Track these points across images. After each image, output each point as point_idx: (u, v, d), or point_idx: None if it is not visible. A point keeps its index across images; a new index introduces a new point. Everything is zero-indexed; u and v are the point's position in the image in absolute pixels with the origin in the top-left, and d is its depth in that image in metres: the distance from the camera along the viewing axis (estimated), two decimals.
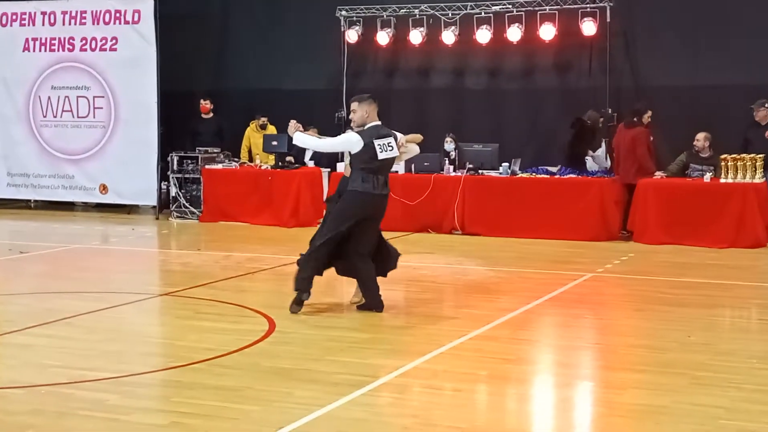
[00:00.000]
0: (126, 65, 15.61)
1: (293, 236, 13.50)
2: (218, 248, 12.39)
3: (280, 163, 14.71)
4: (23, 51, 16.26)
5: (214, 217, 14.77)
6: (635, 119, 13.16)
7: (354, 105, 8.44)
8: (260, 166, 14.92)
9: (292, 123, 8.72)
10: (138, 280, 10.69)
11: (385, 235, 13.06)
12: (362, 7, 15.24)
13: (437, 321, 8.30)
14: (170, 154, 15.23)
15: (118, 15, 15.65)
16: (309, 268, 8.38)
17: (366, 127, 8.34)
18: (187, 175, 15.17)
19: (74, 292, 9.57)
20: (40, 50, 16.18)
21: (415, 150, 9.06)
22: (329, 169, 14.65)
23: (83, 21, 15.88)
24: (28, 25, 16.24)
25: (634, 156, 13.04)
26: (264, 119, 15.60)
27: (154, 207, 15.81)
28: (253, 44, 16.27)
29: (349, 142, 8.35)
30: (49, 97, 16.21)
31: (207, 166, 15.00)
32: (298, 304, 8.36)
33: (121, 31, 15.65)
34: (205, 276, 10.30)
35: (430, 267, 11.02)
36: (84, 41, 15.89)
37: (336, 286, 10.36)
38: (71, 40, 15.98)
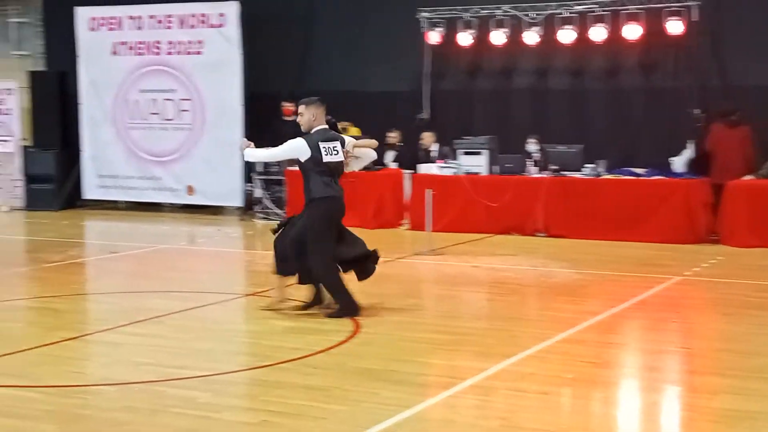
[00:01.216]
0: (211, 68, 15.85)
1: (376, 237, 13.51)
2: None
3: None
4: (112, 55, 16.62)
5: None
6: (733, 118, 13.02)
7: (301, 108, 8.33)
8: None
9: (243, 140, 8.72)
10: (225, 280, 10.86)
11: (468, 237, 13.18)
12: (444, 8, 15.22)
13: (522, 323, 8.26)
14: None
15: (203, 18, 15.90)
16: (335, 291, 8.31)
17: (313, 131, 8.25)
18: (271, 177, 15.33)
19: (163, 291, 9.76)
20: (127, 54, 16.52)
21: (369, 155, 8.97)
22: (411, 171, 14.67)
23: (170, 25, 16.18)
24: (117, 29, 16.59)
25: (740, 155, 12.87)
26: (347, 122, 15.67)
27: (239, 208, 16.03)
28: (335, 46, 16.37)
29: (297, 148, 8.20)
30: (137, 100, 16.54)
31: (290, 168, 15.12)
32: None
33: (206, 34, 15.90)
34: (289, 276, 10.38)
35: (513, 269, 10.97)
36: (170, 45, 16.19)
37: (421, 288, 10.40)
38: (158, 44, 16.29)
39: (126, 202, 17.14)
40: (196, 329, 8.01)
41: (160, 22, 16.24)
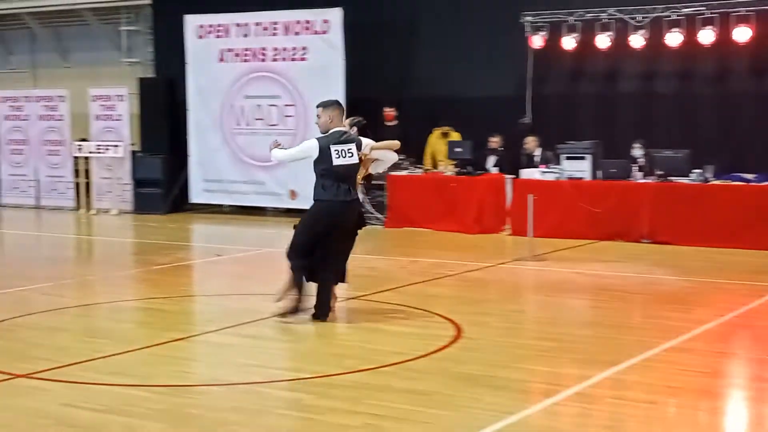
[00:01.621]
0: (315, 74, 16.03)
1: (477, 243, 13.53)
2: (403, 254, 12.55)
3: (463, 170, 14.76)
4: (219, 62, 16.95)
5: (399, 223, 14.97)
6: None
7: (319, 110, 8.41)
8: (444, 173, 15.02)
9: (273, 141, 8.79)
10: None
11: (570, 243, 13.04)
12: (548, 12, 15.10)
13: (627, 331, 8.13)
14: None
15: (308, 25, 16.11)
16: (296, 285, 8.40)
17: (329, 132, 8.28)
18: (372, 182, 15.42)
19: (268, 294, 9.88)
20: (234, 61, 16.83)
21: (390, 157, 8.87)
22: (513, 176, 14.59)
23: (275, 32, 16.42)
24: (223, 36, 16.92)
25: None
26: (447, 127, 15.69)
27: None
28: (437, 51, 16.38)
29: (308, 148, 8.30)
30: (242, 106, 16.83)
31: (392, 173, 15.21)
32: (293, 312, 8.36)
33: (310, 40, 16.09)
34: (391, 281, 10.46)
35: (618, 276, 10.80)
36: (276, 51, 16.43)
37: (522, 294, 10.33)
38: (263, 51, 16.55)
39: (230, 206, 17.45)
40: (299, 332, 8.11)
41: (265, 29, 16.50)
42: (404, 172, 15.22)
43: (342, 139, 8.25)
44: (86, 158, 17.91)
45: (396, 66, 16.68)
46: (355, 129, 8.81)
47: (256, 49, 16.59)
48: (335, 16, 15.80)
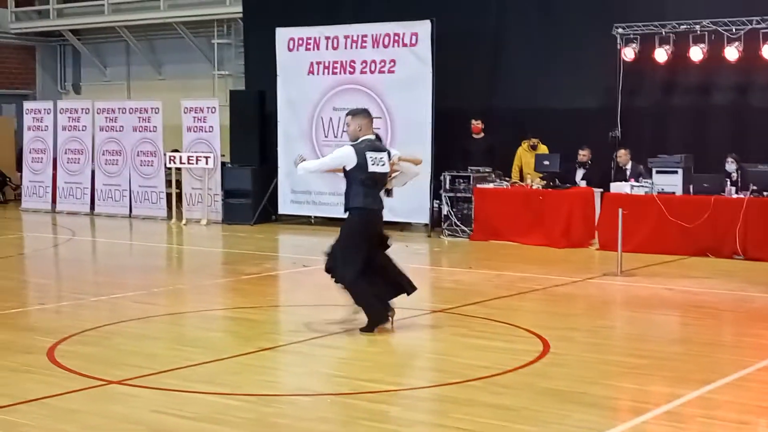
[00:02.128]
0: (403, 86, 16.08)
1: (564, 257, 13.39)
2: (489, 267, 12.48)
3: (551, 183, 14.64)
4: (308, 74, 17.12)
5: (485, 236, 14.90)
6: None
7: (348, 119, 8.45)
8: (531, 186, 14.92)
9: (298, 156, 8.75)
10: (412, 296, 10.89)
11: (660, 258, 12.82)
12: (640, 24, 14.90)
13: (719, 349, 7.96)
14: (443, 173, 15.53)
15: (396, 38, 16.17)
16: (363, 302, 8.36)
17: (359, 140, 8.30)
18: (458, 194, 15.40)
19: (353, 305, 9.93)
20: (323, 73, 16.99)
21: (413, 171, 8.90)
22: (601, 190, 14.41)
23: (364, 44, 16.53)
24: (313, 49, 17.09)
25: None
26: (535, 139, 15.60)
27: (426, 225, 16.16)
28: (525, 63, 16.29)
29: (345, 156, 8.26)
30: (330, 118, 16.97)
31: (478, 186, 15.17)
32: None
33: (399, 53, 16.15)
34: (477, 294, 10.42)
35: (710, 292, 10.58)
36: (364, 64, 16.53)
37: (611, 310, 10.19)
38: (352, 63, 16.67)
39: (317, 217, 17.59)
40: (385, 343, 8.13)
41: (354, 42, 16.62)
42: (491, 185, 15.17)
43: (376, 147, 8.34)
44: (178, 169, 18.26)
45: (484, 78, 16.63)
46: None
47: (345, 62, 16.72)
48: (424, 28, 15.83)
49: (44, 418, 5.97)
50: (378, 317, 8.35)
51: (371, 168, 8.20)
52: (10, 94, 24.06)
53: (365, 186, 8.24)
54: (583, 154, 14.94)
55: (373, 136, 8.42)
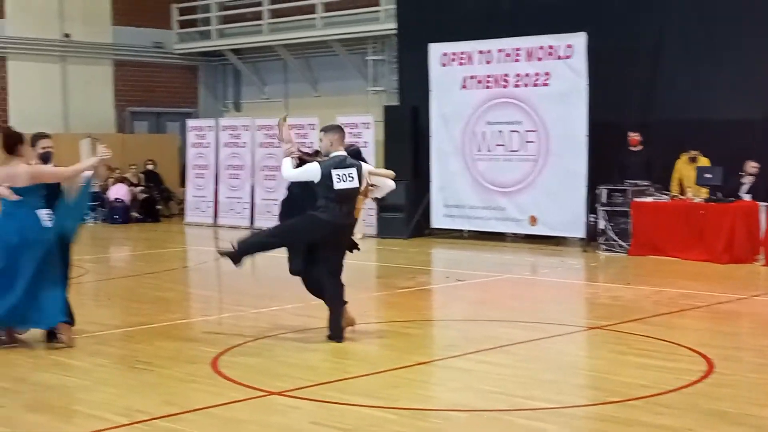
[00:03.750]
0: (557, 99, 15.91)
1: (727, 273, 12.94)
2: (648, 283, 12.18)
3: (713, 197, 14.18)
4: (461, 89, 17.15)
5: (643, 251, 14.55)
6: None
7: (321, 135, 8.80)
8: (692, 200, 14.49)
9: (286, 149, 8.78)
10: (568, 311, 10.81)
11: None
12: None
13: None
14: (599, 187, 15.26)
15: (551, 51, 16.01)
16: (250, 244, 8.82)
17: (330, 156, 8.56)
18: (615, 208, 15.10)
19: (508, 320, 9.88)
20: (476, 87, 16.97)
21: (386, 185, 8.94)
22: (767, 204, 13.86)
23: (517, 58, 16.43)
24: (466, 63, 17.10)
25: None
26: (695, 152, 15.14)
27: (581, 239, 15.91)
28: (684, 75, 15.83)
29: (310, 171, 8.54)
30: (483, 132, 16.93)
31: (636, 199, 14.84)
32: (230, 257, 8.72)
33: (553, 66, 15.99)
34: (636, 311, 10.17)
35: None
36: (518, 77, 16.43)
37: None
38: (506, 77, 16.59)
39: (470, 231, 17.56)
40: (542, 360, 8.04)
41: (508, 55, 16.54)
42: (650, 199, 14.81)
43: (344, 164, 8.56)
44: None
45: (641, 90, 16.25)
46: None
47: (499, 76, 16.65)
48: (579, 40, 15.62)
49: (208, 427, 6.16)
50: (233, 258, 8.73)
51: (336, 185, 8.49)
52: (174, 112, 25.06)
53: (330, 201, 8.53)
54: (752, 167, 14.39)
55: (343, 152, 8.67)
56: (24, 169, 8.21)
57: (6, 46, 22.01)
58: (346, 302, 8.88)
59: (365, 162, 8.97)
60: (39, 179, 8.31)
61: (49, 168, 8.47)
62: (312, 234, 8.65)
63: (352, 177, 8.58)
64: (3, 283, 8.22)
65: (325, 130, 8.88)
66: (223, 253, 8.86)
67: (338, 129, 8.85)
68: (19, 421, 6.35)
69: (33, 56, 22.37)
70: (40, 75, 22.43)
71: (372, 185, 8.94)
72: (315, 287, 8.96)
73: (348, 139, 18.52)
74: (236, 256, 8.78)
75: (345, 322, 8.86)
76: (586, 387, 7.39)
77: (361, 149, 18.18)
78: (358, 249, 9.13)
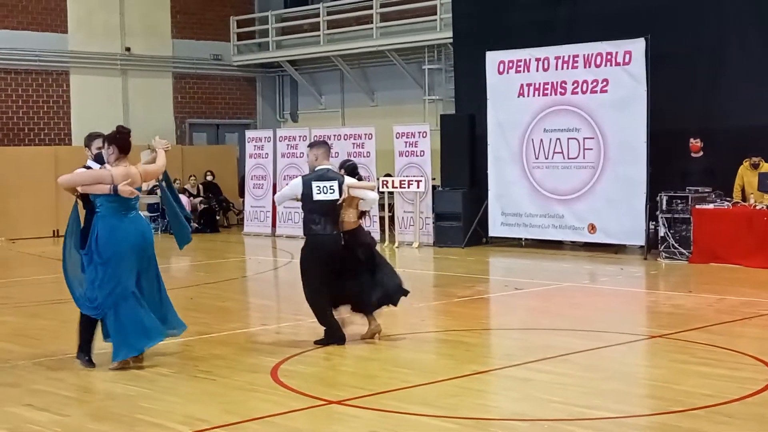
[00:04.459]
0: (616, 106, 15.77)
1: None
2: (710, 291, 12.00)
3: None
4: (518, 96, 17.08)
5: (705, 259, 14.35)
6: None
7: (307, 150, 9.27)
8: (754, 206, 14.26)
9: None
10: (628, 320, 10.70)
11: None
12: None
13: None
14: (659, 194, 15.09)
15: (609, 57, 15.87)
16: (322, 321, 8.96)
17: (314, 169, 8.94)
18: (676, 215, 14.91)
19: (567, 329, 9.81)
20: (533, 95, 16.90)
21: (370, 197, 9.21)
22: None
23: (575, 65, 16.33)
24: (524, 71, 17.03)
25: None
26: (758, 158, 14.90)
27: (641, 247, 15.74)
28: (746, 80, 15.59)
29: (294, 186, 9.00)
30: (541, 140, 16.84)
31: (697, 206, 14.64)
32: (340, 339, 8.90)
33: (612, 72, 15.85)
34: (698, 319, 10.04)
35: None
36: (575, 84, 16.32)
37: None
38: (563, 84, 16.49)
39: (527, 239, 17.47)
40: (603, 369, 7.96)
41: (566, 62, 16.44)
42: (711, 206, 14.60)
43: (325, 176, 8.87)
44: (390, 193, 18.60)
45: (701, 96, 16.03)
46: (343, 171, 9.23)
47: (556, 83, 16.56)
48: (638, 47, 15.47)
49: None
50: (331, 336, 8.90)
51: (316, 197, 8.80)
52: (233, 123, 25.32)
53: (312, 213, 8.85)
54: None
55: (329, 166, 8.98)
56: (137, 170, 8.10)
57: (69, 60, 22.43)
58: (378, 305, 9.13)
59: (360, 179, 9.37)
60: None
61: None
62: (314, 252, 8.91)
63: (333, 189, 8.86)
64: (148, 291, 8.13)
65: (311, 145, 9.30)
66: (321, 342, 9.00)
67: (323, 144, 9.25)
68: (85, 430, 6.46)
69: (95, 70, 22.78)
70: (102, 88, 22.83)
71: (358, 198, 9.22)
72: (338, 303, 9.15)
73: (404, 148, 18.70)
74: (327, 333, 8.99)
75: (371, 330, 9.09)
76: (648, 396, 7.30)
77: (419, 158, 18.37)
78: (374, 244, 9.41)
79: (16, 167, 20.53)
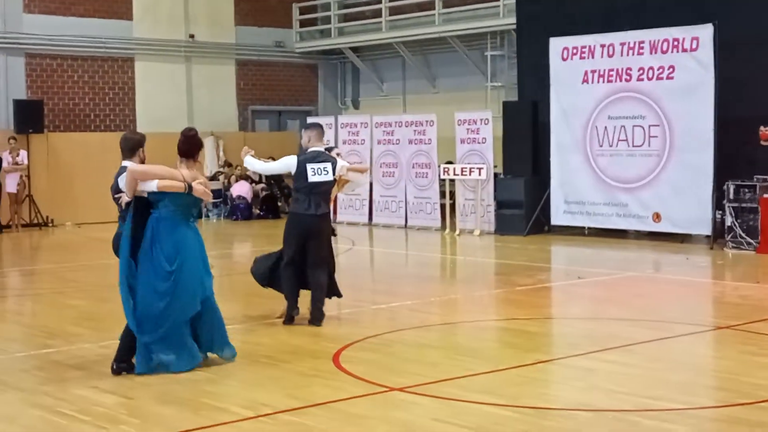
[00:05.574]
0: (682, 93, 15.50)
1: None
2: None
3: None
4: (582, 83, 16.88)
5: None
6: None
7: (303, 132, 9.51)
8: None
9: (244, 148, 9.25)
10: (694, 310, 10.52)
11: None
12: None
13: None
14: (726, 183, 14.81)
15: (675, 43, 15.61)
16: (283, 287, 9.34)
17: (307, 151, 9.23)
18: (744, 204, 14.63)
19: (631, 319, 9.68)
20: (598, 81, 16.68)
21: (359, 180, 9.84)
22: None
23: (641, 51, 16.07)
24: (588, 58, 16.82)
25: None
26: None
27: (707, 236, 15.48)
28: None
29: (288, 163, 9.26)
30: (605, 127, 16.62)
31: (765, 195, 14.35)
32: (288, 320, 9.30)
33: (678, 59, 15.58)
34: (766, 310, 9.83)
35: None
36: (641, 71, 16.07)
37: None
38: (629, 71, 16.25)
39: (591, 228, 17.28)
40: (668, 360, 7.85)
41: (631, 48, 16.20)
42: None
43: (319, 158, 9.18)
44: (451, 180, 18.53)
45: None
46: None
47: (621, 69, 16.31)
48: (706, 32, 15.18)
49: (331, 421, 6.21)
50: (289, 309, 9.31)
51: (311, 178, 9.10)
52: (294, 110, 25.42)
53: (300, 193, 9.17)
54: None
55: (321, 148, 9.31)
56: (196, 173, 7.67)
57: (134, 47, 22.68)
58: (338, 294, 9.59)
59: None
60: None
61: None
62: (293, 229, 9.23)
63: (327, 171, 9.20)
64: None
65: (306, 127, 9.63)
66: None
67: (317, 126, 9.51)
68: (150, 412, 6.54)
69: (159, 57, 23.01)
70: (166, 75, 23.05)
71: (347, 180, 9.65)
72: (267, 281, 9.61)
73: (465, 135, 18.58)
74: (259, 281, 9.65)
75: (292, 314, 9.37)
76: (715, 388, 7.18)
77: (480, 145, 18.28)
78: (335, 235, 9.93)
79: (82, 153, 20.85)
